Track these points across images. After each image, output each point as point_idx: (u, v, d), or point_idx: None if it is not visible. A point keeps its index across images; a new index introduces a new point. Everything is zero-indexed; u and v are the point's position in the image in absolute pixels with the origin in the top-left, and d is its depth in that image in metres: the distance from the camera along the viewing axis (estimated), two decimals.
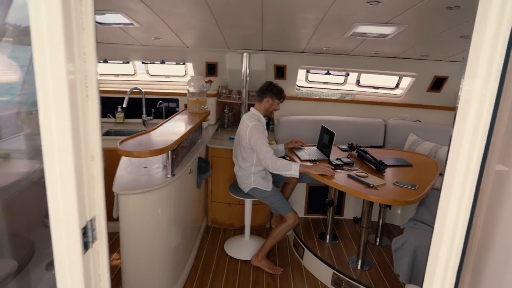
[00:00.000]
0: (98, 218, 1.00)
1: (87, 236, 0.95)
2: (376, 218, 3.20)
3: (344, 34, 2.96)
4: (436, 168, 2.84)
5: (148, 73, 4.22)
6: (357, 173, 2.56)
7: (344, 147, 3.21)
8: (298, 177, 2.62)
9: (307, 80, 4.38)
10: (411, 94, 4.09)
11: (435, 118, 4.00)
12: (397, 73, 4.05)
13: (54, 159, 0.86)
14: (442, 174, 3.10)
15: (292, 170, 2.56)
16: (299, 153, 2.97)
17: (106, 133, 3.56)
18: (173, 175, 2.35)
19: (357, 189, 2.32)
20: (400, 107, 4.13)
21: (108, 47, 3.75)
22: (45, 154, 0.86)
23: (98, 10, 2.60)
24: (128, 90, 3.44)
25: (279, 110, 2.92)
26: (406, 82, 4.09)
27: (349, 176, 2.52)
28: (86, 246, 0.95)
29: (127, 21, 2.78)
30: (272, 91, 2.79)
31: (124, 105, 3.35)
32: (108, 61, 3.93)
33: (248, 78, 3.70)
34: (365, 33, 3.00)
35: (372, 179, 2.46)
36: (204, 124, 3.70)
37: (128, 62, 4.02)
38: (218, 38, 3.39)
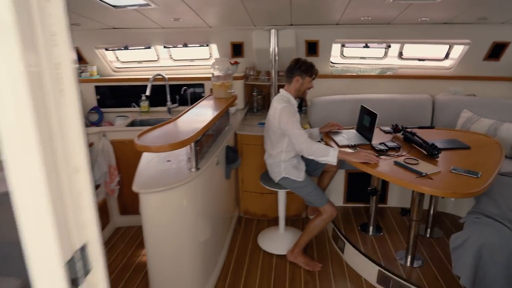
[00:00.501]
0: (90, 244, 0.80)
1: (75, 270, 0.75)
2: (426, 206, 2.85)
3: None
4: (499, 150, 2.43)
5: (171, 57, 4.02)
6: (406, 160, 2.23)
7: (388, 128, 2.85)
8: (335, 164, 2.34)
9: (342, 55, 3.98)
10: (463, 65, 3.59)
11: (493, 91, 3.49)
12: (448, 41, 3.55)
13: (20, 177, 0.65)
14: (508, 157, 2.70)
15: (329, 156, 2.27)
16: (337, 138, 2.67)
17: (131, 124, 3.43)
18: (197, 168, 2.15)
19: (407, 179, 2.00)
20: (450, 80, 3.65)
21: (127, 33, 3.56)
22: (9, 172, 0.66)
23: None
24: (151, 77, 3.26)
25: (313, 87, 2.61)
26: (458, 51, 3.58)
27: (396, 163, 2.20)
28: (75, 283, 0.75)
29: (142, 1, 2.56)
30: (300, 68, 2.49)
31: (147, 93, 3.17)
32: (129, 48, 3.76)
33: (277, 57, 3.37)
34: None
35: (424, 167, 2.12)
36: (232, 109, 3.46)
37: (149, 47, 3.82)
38: (242, 15, 3.09)
